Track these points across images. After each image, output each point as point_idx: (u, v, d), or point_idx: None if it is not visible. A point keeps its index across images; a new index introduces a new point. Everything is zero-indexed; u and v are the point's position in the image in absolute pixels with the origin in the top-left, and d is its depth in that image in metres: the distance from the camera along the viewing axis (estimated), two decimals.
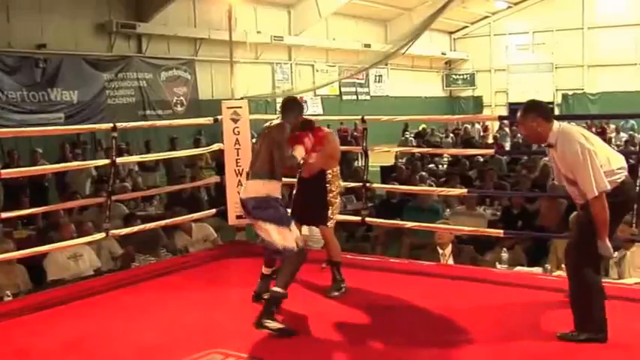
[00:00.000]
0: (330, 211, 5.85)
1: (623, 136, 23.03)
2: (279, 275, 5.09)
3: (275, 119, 5.57)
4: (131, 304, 5.79)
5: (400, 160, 17.27)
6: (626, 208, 4.81)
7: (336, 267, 5.87)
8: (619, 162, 4.60)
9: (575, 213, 7.59)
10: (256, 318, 4.83)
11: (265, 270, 5.62)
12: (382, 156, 14.18)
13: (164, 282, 6.46)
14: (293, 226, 5.14)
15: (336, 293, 5.72)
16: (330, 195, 5.82)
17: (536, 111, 4.63)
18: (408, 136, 23.28)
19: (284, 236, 5.03)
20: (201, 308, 5.51)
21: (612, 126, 25.33)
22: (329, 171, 5.80)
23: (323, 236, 6.03)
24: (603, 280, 5.04)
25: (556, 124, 4.60)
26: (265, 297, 5.41)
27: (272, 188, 5.13)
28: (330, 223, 5.87)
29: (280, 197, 5.21)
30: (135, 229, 7.24)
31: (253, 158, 5.38)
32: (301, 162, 5.41)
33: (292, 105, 5.54)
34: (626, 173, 4.59)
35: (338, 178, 5.93)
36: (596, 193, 4.37)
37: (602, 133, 23.04)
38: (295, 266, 5.08)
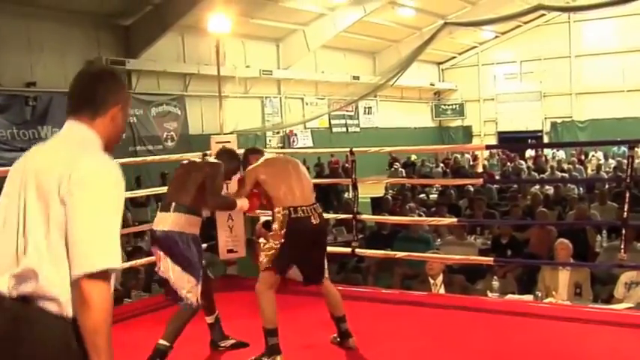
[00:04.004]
0: (261, 257, 5.07)
1: (612, 162, 23.23)
2: (168, 327, 4.87)
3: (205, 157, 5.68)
4: (125, 341, 5.78)
5: (391, 191, 17.32)
6: None
7: (265, 333, 4.91)
8: None
9: (560, 239, 7.70)
10: None
11: (208, 319, 5.49)
12: (372, 187, 14.22)
13: (157, 317, 6.44)
14: (200, 278, 4.91)
15: None
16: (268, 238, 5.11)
17: None
18: (397, 167, 23.37)
19: (189, 288, 4.84)
20: (195, 342, 5.51)
21: (600, 153, 25.56)
22: (276, 209, 4.94)
23: None
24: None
25: None
26: (222, 345, 5.41)
27: (189, 224, 4.92)
28: (262, 276, 5.00)
29: (197, 235, 5.00)
30: (126, 265, 7.25)
31: (172, 189, 5.18)
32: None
33: (232, 157, 5.54)
34: None
35: (281, 222, 4.89)
36: None
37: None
38: (186, 321, 4.91)
